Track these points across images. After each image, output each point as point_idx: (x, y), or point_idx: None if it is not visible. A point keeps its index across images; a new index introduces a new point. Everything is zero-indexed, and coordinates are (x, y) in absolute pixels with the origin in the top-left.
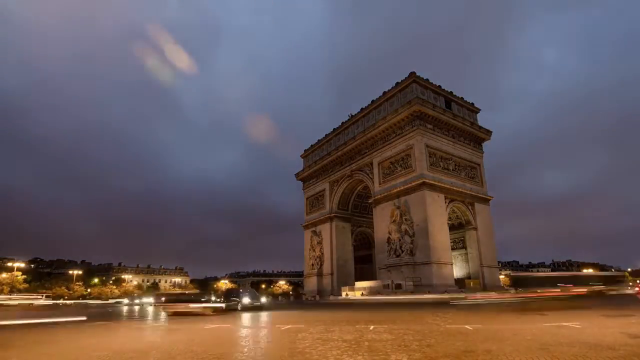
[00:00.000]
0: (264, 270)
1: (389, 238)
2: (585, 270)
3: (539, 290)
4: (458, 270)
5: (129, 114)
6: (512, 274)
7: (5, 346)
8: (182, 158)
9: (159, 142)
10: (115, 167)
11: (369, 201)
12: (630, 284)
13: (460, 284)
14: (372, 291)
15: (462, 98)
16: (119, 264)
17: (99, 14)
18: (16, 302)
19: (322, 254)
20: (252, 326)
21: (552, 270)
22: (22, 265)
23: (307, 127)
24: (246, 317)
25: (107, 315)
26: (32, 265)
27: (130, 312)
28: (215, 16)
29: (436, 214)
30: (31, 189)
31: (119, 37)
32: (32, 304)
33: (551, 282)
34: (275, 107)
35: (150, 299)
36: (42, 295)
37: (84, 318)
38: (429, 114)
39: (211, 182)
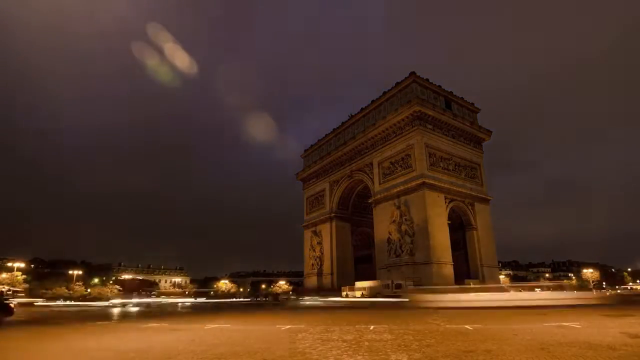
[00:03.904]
0: (264, 270)
1: (389, 238)
2: (585, 270)
3: None
4: (458, 270)
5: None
6: None
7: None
8: None
9: None
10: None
11: (369, 201)
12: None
13: (460, 284)
14: (372, 291)
15: (462, 98)
16: (119, 264)
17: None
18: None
19: (322, 253)
20: (252, 326)
21: (552, 271)
22: (22, 265)
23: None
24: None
25: None
26: (32, 265)
27: None
28: None
29: (436, 214)
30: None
31: None
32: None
33: None
34: None
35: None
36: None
37: None
38: (429, 113)
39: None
